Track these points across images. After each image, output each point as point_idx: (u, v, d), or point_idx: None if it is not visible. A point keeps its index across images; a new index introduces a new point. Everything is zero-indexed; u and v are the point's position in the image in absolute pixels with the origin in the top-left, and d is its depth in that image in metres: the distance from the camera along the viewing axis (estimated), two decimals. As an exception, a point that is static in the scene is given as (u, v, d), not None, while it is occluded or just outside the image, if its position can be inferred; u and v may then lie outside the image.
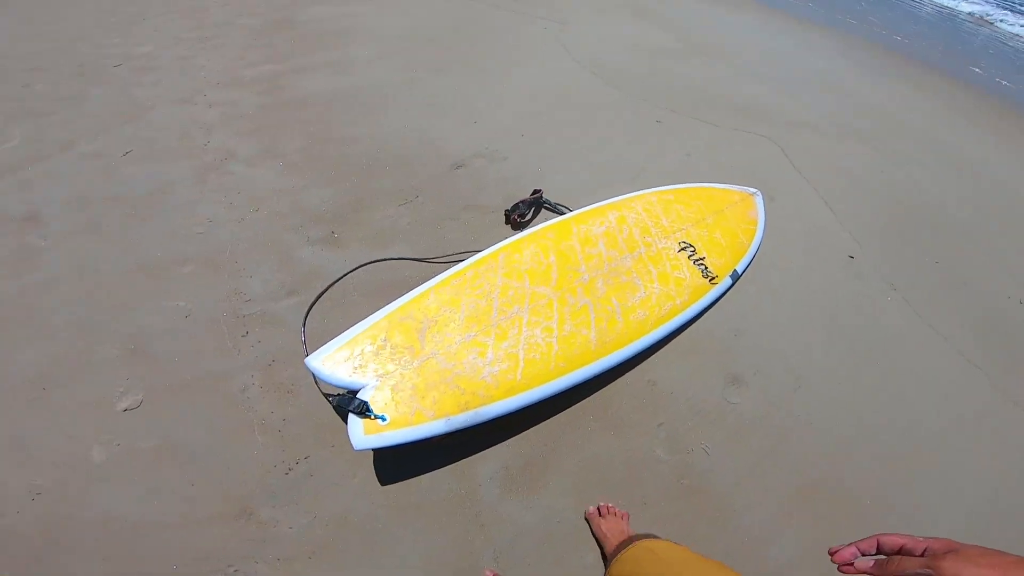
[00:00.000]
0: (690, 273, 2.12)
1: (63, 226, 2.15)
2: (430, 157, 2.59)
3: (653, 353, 2.01)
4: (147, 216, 2.21)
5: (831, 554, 0.64)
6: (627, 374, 1.95)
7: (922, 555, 0.57)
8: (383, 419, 1.57)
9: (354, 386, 1.64)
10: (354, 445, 1.51)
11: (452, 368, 1.72)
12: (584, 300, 1.95)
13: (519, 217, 2.31)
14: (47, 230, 2.13)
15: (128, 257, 2.04)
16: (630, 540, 1.20)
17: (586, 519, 1.59)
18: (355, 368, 1.67)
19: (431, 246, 2.21)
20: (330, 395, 1.66)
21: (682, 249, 2.19)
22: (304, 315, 1.93)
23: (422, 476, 1.68)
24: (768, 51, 4.10)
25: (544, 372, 1.77)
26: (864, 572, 0.60)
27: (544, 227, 2.16)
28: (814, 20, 4.96)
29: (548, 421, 1.82)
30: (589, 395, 1.89)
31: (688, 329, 2.09)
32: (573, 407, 1.84)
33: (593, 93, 3.22)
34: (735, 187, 2.54)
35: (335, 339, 1.72)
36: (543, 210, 2.42)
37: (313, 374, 1.65)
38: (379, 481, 1.65)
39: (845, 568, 0.63)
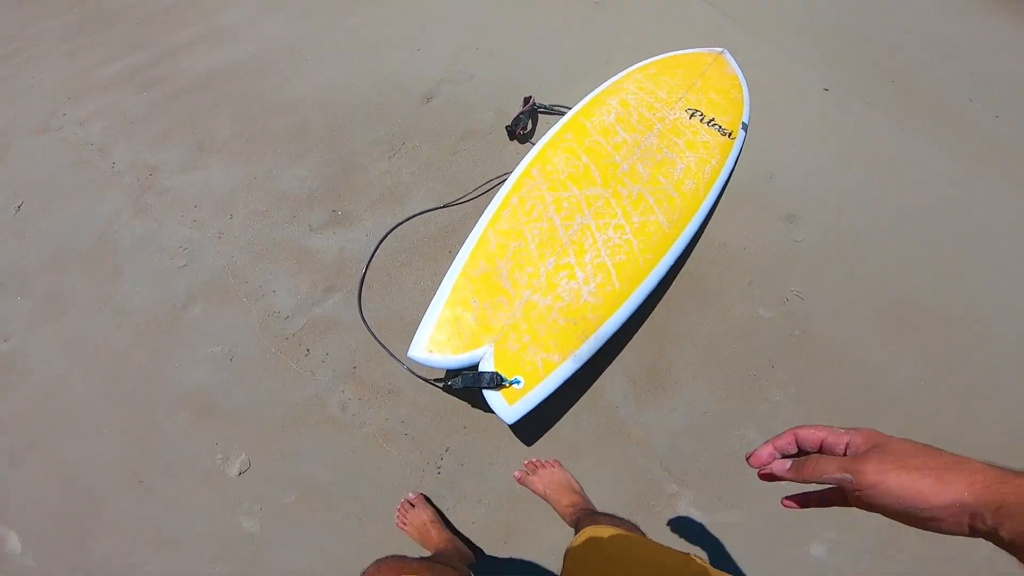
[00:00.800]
0: (710, 135, 2.09)
1: (17, 317, 1.66)
2: (393, 97, 2.27)
3: (710, 219, 2.00)
4: (111, 270, 1.77)
5: (747, 459, 0.56)
6: (697, 246, 1.93)
7: (844, 452, 0.49)
8: (518, 382, 1.45)
9: (471, 361, 1.48)
10: (507, 420, 1.40)
11: (552, 303, 1.61)
12: (636, 188, 1.86)
13: (522, 130, 2.14)
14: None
15: (124, 321, 1.65)
16: (583, 517, 1.11)
17: (523, 484, 1.45)
18: (464, 342, 1.49)
19: (449, 187, 1.99)
20: (441, 380, 1.49)
21: (692, 115, 2.14)
22: (358, 309, 1.68)
23: (559, 422, 1.64)
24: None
25: (636, 271, 1.71)
26: (781, 476, 0.52)
27: (557, 131, 2.02)
28: None
29: (647, 323, 1.78)
30: (672, 281, 1.86)
31: (728, 188, 2.08)
32: (663, 299, 1.81)
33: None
34: (703, 49, 2.49)
35: (424, 321, 1.54)
36: (541, 115, 2.24)
37: (415, 365, 1.46)
38: (524, 443, 1.57)
39: (763, 474, 0.54)
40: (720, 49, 2.48)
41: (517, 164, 1.93)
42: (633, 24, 2.76)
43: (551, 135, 2.01)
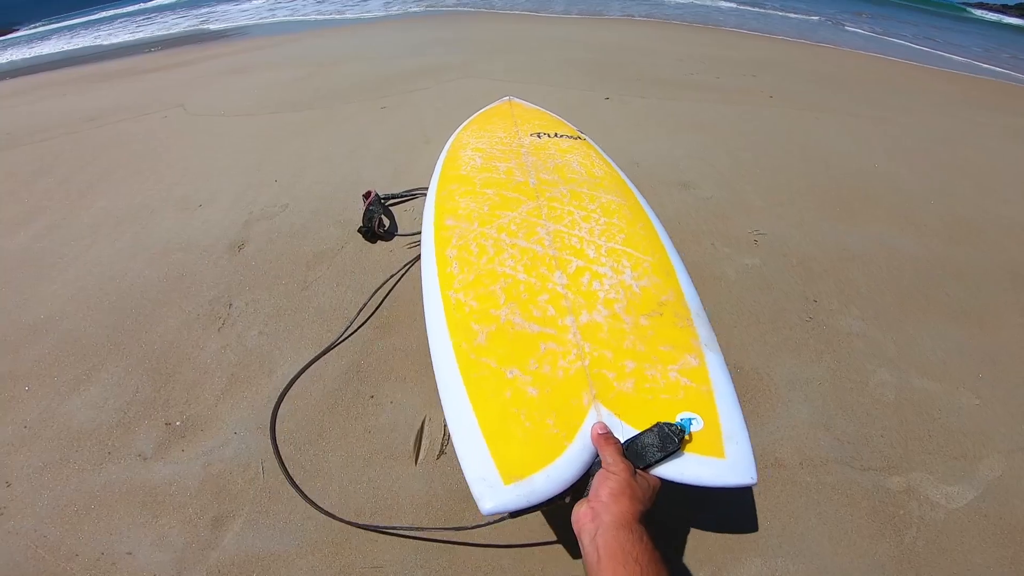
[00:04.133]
0: (568, 142, 2.01)
1: None
2: (190, 262, 1.65)
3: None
4: None
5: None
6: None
7: None
8: (690, 423, 0.91)
9: (588, 447, 0.88)
10: (746, 480, 0.85)
11: (610, 311, 1.17)
12: (562, 188, 1.63)
13: (380, 227, 1.72)
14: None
15: None
16: None
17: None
18: (551, 432, 0.92)
19: (320, 325, 1.46)
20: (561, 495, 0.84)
21: (540, 136, 2.05)
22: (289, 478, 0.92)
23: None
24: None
25: (645, 238, 1.43)
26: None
27: (436, 190, 1.66)
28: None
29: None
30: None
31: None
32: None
33: (271, 117, 2.63)
34: (495, 103, 2.51)
35: (467, 458, 0.91)
36: (394, 208, 1.88)
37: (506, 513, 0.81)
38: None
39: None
40: (507, 96, 2.54)
41: (391, 263, 1.51)
42: (426, 109, 2.72)
43: (434, 196, 1.63)
